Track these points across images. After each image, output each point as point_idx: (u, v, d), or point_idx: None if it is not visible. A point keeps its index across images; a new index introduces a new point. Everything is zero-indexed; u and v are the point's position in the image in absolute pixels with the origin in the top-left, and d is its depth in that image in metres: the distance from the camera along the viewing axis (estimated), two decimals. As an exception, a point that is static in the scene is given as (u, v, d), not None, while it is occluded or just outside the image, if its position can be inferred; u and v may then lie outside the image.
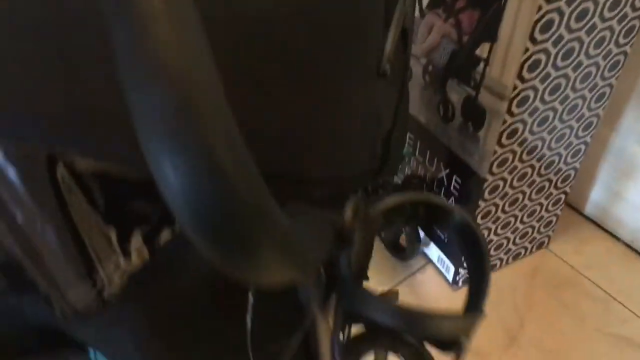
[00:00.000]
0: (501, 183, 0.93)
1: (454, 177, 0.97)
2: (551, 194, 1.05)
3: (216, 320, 0.33)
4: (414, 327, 0.30)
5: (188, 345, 0.35)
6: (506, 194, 0.96)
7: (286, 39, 0.32)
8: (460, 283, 1.11)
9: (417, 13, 0.88)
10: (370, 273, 1.12)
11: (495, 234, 1.05)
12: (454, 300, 1.10)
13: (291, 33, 0.32)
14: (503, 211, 1.00)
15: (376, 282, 1.11)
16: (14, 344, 0.33)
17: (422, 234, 1.15)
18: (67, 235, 0.28)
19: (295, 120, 0.34)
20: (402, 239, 1.14)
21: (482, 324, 1.03)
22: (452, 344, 0.32)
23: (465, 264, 0.37)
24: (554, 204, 1.08)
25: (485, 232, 1.02)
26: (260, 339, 0.32)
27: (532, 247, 1.16)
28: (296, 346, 0.39)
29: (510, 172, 0.92)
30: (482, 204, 0.95)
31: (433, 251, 1.14)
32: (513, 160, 0.90)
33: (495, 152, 0.86)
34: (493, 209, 0.98)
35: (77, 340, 0.34)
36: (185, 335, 0.34)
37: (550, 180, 1.01)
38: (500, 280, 1.13)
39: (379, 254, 1.17)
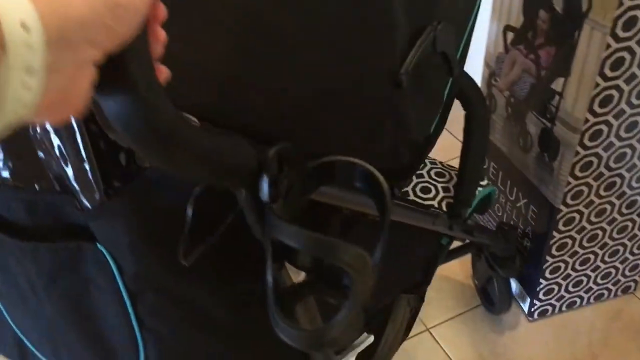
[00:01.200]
0: (577, 216, 0.96)
1: (530, 207, 1.01)
2: (635, 235, 1.05)
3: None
4: (318, 249, 0.37)
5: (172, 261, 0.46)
6: (583, 228, 0.99)
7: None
8: (536, 315, 1.12)
9: (501, 49, 0.95)
10: (447, 296, 1.17)
11: (573, 269, 1.06)
12: (529, 331, 1.11)
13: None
14: (581, 246, 1.02)
15: (452, 304, 1.15)
16: (53, 230, 0.49)
17: (514, 287, 1.15)
18: (89, 146, 0.42)
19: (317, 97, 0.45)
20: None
21: (553, 356, 1.04)
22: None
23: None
24: (640, 247, 1.08)
25: (562, 266, 1.04)
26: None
27: (617, 290, 1.15)
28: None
29: (586, 206, 0.95)
30: (556, 234, 0.98)
31: (512, 282, 1.16)
32: (589, 194, 0.93)
33: (568, 183, 0.90)
34: (569, 242, 1.00)
35: (91, 237, 0.48)
36: (168, 245, 0.45)
37: (633, 221, 1.02)
38: (578, 318, 1.13)
39: (459, 279, 1.22)
